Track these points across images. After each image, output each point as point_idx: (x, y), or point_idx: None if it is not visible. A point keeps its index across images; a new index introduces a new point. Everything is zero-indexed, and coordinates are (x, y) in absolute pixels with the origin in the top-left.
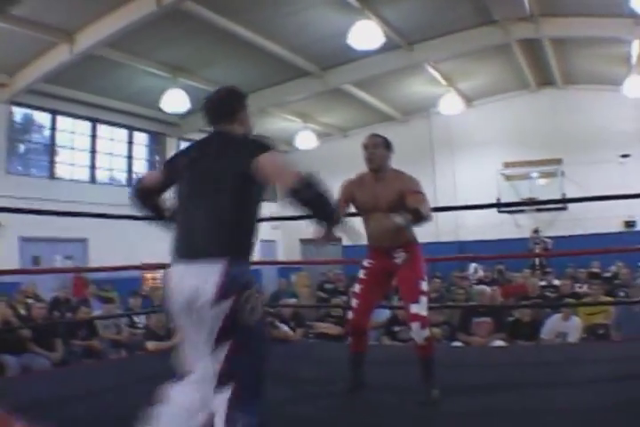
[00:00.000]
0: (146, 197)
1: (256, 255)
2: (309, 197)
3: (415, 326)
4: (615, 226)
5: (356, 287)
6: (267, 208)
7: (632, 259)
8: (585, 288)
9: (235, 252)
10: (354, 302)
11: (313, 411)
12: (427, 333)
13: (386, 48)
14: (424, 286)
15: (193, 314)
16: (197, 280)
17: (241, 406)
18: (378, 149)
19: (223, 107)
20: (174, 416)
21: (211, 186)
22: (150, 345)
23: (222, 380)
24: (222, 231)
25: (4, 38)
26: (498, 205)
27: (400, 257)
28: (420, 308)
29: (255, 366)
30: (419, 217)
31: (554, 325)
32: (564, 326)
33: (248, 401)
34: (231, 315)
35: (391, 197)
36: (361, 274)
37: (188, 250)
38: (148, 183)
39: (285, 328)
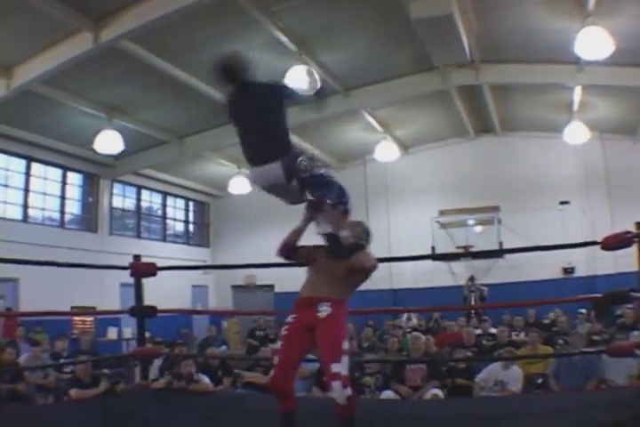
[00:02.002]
0: None
1: (187, 301)
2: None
3: (336, 385)
4: (554, 273)
5: (278, 344)
6: (199, 254)
7: (571, 306)
8: (522, 336)
9: (282, 150)
10: (275, 360)
11: None
12: (348, 392)
13: None
14: (345, 345)
15: (280, 188)
16: (272, 174)
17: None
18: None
19: (237, 67)
20: None
21: (255, 114)
22: (73, 393)
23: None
24: (272, 142)
25: None
26: (432, 257)
27: (324, 311)
28: (341, 367)
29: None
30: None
31: (492, 373)
32: (504, 375)
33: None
34: (299, 180)
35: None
36: (283, 330)
37: (257, 160)
38: None
39: (206, 380)
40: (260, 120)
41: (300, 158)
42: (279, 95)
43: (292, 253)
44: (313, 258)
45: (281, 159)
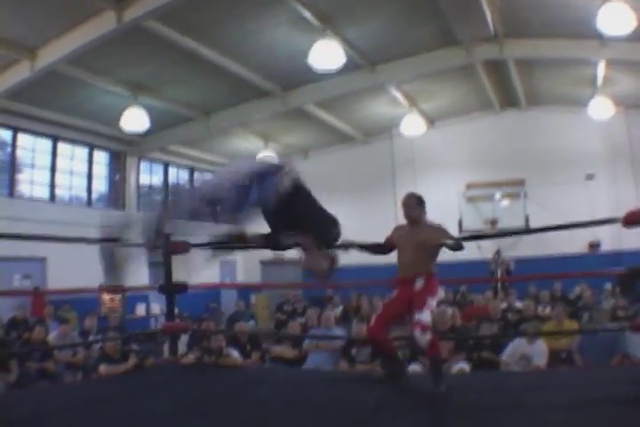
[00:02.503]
0: None
1: (215, 277)
2: None
3: (416, 332)
4: (580, 247)
5: (378, 311)
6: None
7: (596, 281)
8: (547, 310)
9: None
10: (373, 319)
11: None
12: (427, 336)
13: (348, 68)
14: (431, 301)
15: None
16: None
17: None
18: (413, 209)
19: None
20: None
21: None
22: (103, 369)
23: None
24: None
25: None
26: (462, 239)
27: (419, 283)
28: (421, 315)
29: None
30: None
31: (517, 347)
32: (529, 349)
33: None
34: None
35: (419, 240)
36: (386, 300)
37: None
38: None
39: (235, 355)
40: None
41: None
42: None
43: (387, 250)
44: (395, 243)
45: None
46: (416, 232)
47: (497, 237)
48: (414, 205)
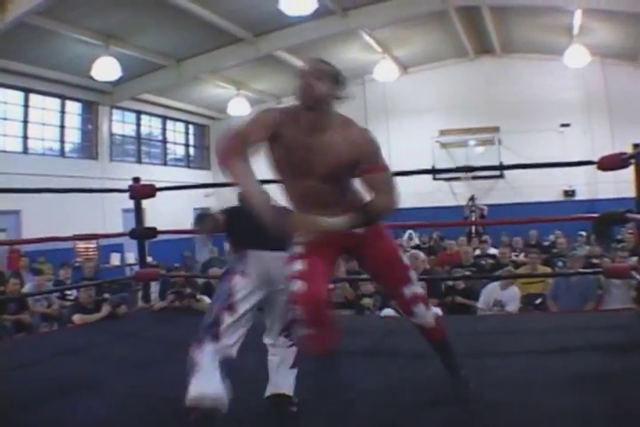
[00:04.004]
0: None
1: (190, 225)
2: None
3: (420, 308)
4: (554, 195)
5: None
6: (200, 177)
7: (571, 228)
8: (522, 257)
9: None
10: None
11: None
12: (433, 312)
13: (319, 14)
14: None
15: None
16: None
17: None
18: (321, 81)
19: None
20: None
21: None
22: (77, 318)
23: None
24: None
25: None
26: (433, 171)
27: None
28: (417, 287)
29: None
30: (373, 220)
31: (491, 294)
32: (502, 295)
33: None
34: None
35: (333, 160)
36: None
37: None
38: None
39: (208, 300)
40: None
41: None
42: None
43: None
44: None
45: None
46: (328, 137)
47: (465, 171)
48: (327, 76)
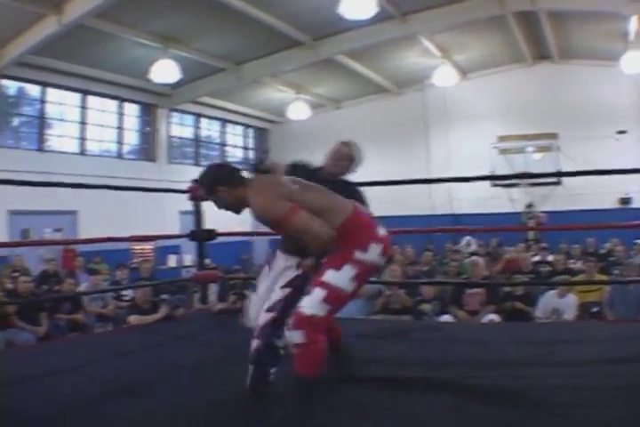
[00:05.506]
0: None
1: (247, 228)
2: None
3: (289, 322)
4: (610, 203)
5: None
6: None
7: (627, 236)
8: (579, 264)
9: None
10: None
11: None
12: (298, 337)
13: (379, 18)
14: (331, 276)
15: None
16: None
17: None
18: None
19: None
20: None
21: None
22: (133, 319)
23: None
24: None
25: None
26: (492, 178)
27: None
28: (305, 303)
29: None
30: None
31: (549, 302)
32: (560, 303)
33: None
34: None
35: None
36: None
37: None
38: None
39: None
40: None
41: None
42: None
43: None
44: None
45: None
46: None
47: (523, 177)
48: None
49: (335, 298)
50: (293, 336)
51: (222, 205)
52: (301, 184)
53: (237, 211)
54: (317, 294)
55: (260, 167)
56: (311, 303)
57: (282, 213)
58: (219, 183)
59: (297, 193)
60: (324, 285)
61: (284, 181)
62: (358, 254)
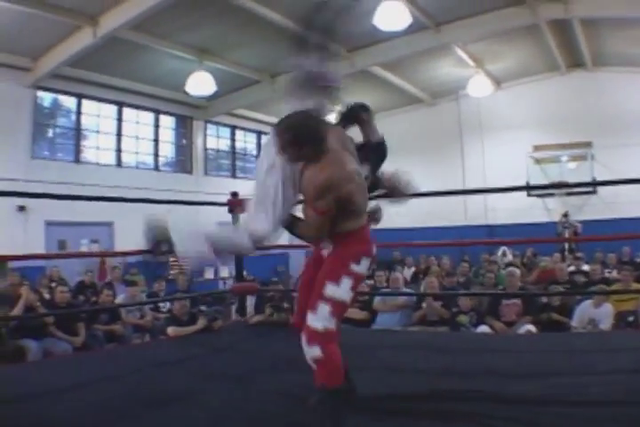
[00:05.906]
0: None
1: (284, 240)
2: None
3: (303, 339)
4: None
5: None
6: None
7: None
8: (614, 273)
9: None
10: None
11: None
12: (316, 352)
13: (413, 29)
14: (333, 290)
15: None
16: None
17: None
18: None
19: None
20: None
21: None
22: (171, 331)
23: None
24: None
25: (27, 22)
26: (527, 188)
27: (326, 248)
28: (313, 318)
29: None
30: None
31: (585, 312)
32: (596, 313)
33: None
34: None
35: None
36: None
37: None
38: None
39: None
40: None
41: None
42: None
43: None
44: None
45: None
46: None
47: (559, 187)
48: None
49: (340, 311)
50: (311, 352)
51: (284, 153)
52: (361, 179)
53: (293, 161)
54: (323, 309)
55: (351, 113)
56: (320, 318)
57: (319, 207)
58: (296, 143)
59: (354, 191)
60: (327, 300)
61: (353, 172)
62: (353, 267)
